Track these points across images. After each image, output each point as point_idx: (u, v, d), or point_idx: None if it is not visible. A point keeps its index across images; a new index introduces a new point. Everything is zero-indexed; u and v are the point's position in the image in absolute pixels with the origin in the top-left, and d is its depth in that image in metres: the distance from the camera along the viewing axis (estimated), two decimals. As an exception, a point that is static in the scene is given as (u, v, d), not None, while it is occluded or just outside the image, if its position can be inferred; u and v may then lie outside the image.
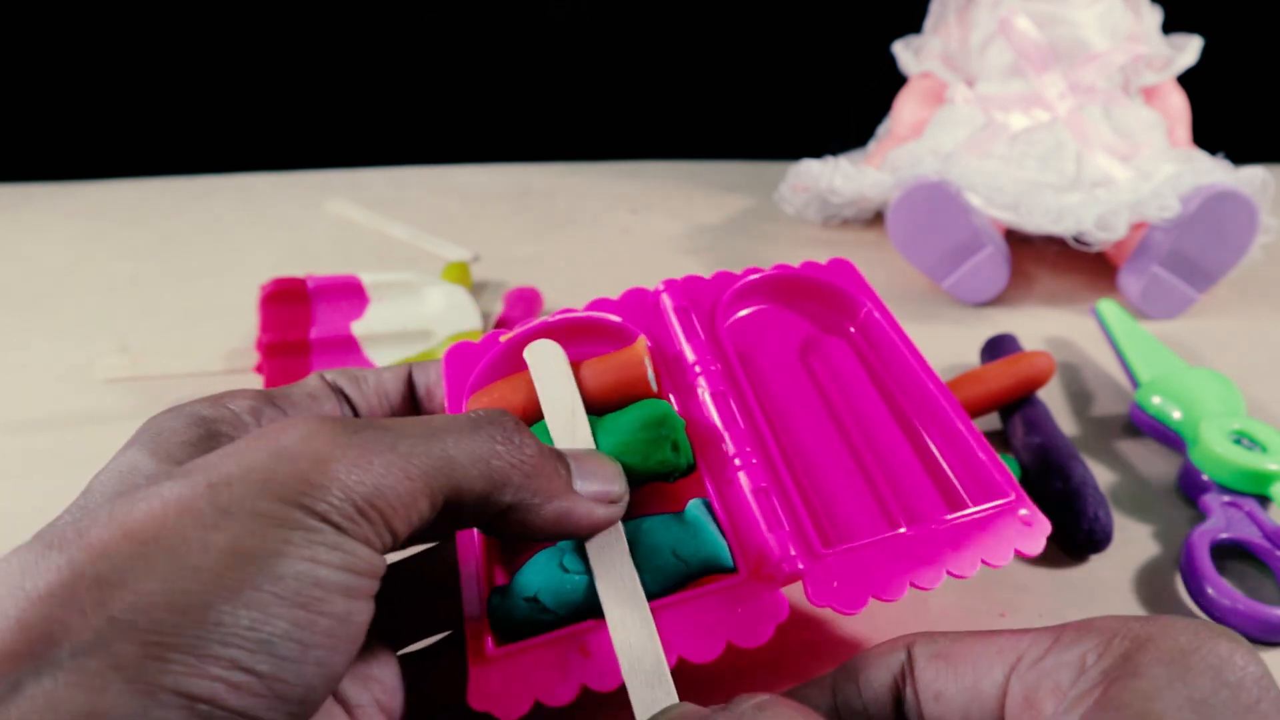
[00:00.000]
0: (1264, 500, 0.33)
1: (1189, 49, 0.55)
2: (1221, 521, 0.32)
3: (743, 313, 0.31)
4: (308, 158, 0.74)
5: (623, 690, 0.21)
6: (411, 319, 0.44)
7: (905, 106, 0.60)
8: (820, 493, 0.26)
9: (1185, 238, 0.47)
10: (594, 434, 0.25)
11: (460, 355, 0.29)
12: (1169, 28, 0.56)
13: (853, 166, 0.56)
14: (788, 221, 0.62)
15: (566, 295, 0.52)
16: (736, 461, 0.25)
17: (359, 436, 0.18)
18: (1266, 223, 0.47)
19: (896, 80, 0.61)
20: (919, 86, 0.59)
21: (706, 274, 0.31)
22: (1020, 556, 0.24)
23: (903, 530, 0.24)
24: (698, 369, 0.27)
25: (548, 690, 0.21)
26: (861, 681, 0.21)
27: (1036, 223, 0.49)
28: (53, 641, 0.15)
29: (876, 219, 0.59)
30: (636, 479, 0.24)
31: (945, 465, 0.27)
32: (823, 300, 0.32)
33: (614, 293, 0.30)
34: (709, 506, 0.24)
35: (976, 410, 0.37)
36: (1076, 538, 0.32)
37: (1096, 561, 0.32)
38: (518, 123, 0.79)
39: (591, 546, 0.23)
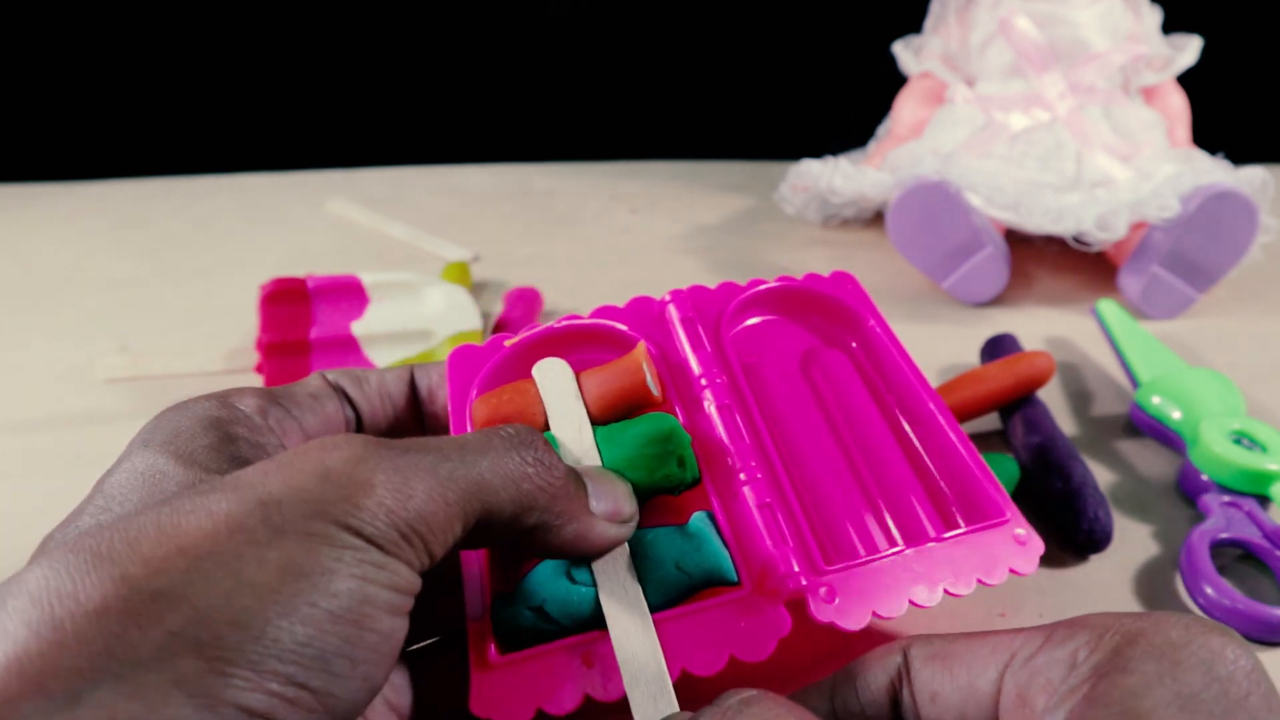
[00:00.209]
0: (1264, 500, 0.33)
1: (1189, 49, 0.55)
2: (1221, 521, 0.32)
3: (747, 323, 0.32)
4: (308, 158, 0.74)
5: (625, 701, 0.21)
6: (411, 319, 0.44)
7: (905, 106, 0.60)
8: (821, 509, 0.27)
9: (1185, 238, 0.47)
10: (600, 447, 0.25)
11: (464, 358, 0.29)
12: (1169, 28, 0.56)
13: (853, 166, 0.56)
14: (788, 221, 0.62)
15: (566, 295, 0.52)
16: (741, 476, 0.25)
17: (402, 460, 0.19)
18: (1266, 223, 0.47)
19: (896, 80, 0.61)
20: (919, 86, 0.59)
21: (707, 274, 0.31)
22: (1015, 575, 0.25)
23: (901, 549, 0.24)
24: (703, 382, 0.27)
25: (550, 699, 0.21)
26: (859, 685, 0.21)
27: (1036, 223, 0.49)
28: (112, 656, 0.15)
29: (876, 219, 0.59)
30: (643, 493, 0.24)
31: (942, 483, 0.28)
32: (825, 313, 0.32)
33: (614, 293, 0.30)
34: (713, 519, 0.24)
35: (977, 410, 0.37)
36: (1076, 538, 0.32)
37: (1096, 561, 0.32)
38: (518, 123, 0.79)
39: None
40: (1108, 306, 0.45)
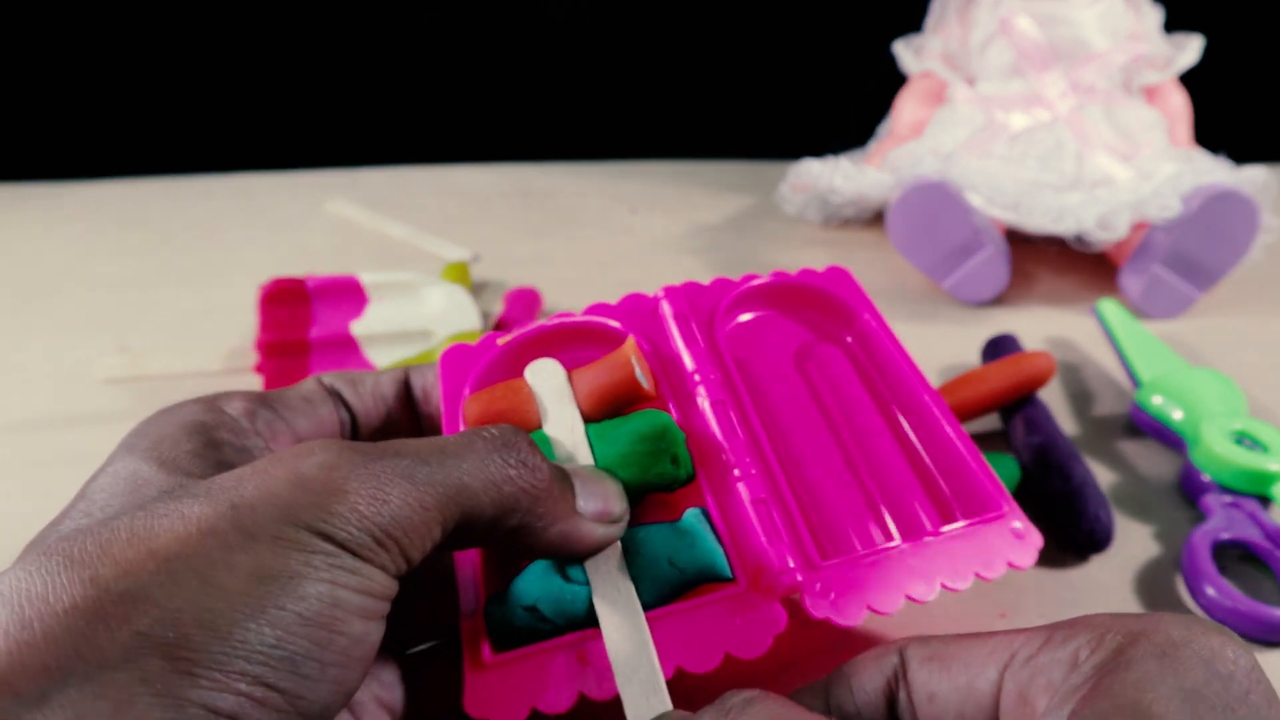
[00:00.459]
0: (1265, 500, 0.33)
1: (1190, 48, 0.55)
2: (1222, 522, 0.32)
3: (741, 319, 0.31)
4: (308, 158, 0.74)
5: (620, 699, 0.21)
6: (411, 319, 0.44)
7: (905, 106, 0.60)
8: (816, 504, 0.26)
9: (1186, 237, 0.47)
10: (593, 444, 0.25)
11: (456, 357, 0.29)
12: (1170, 27, 0.56)
13: (853, 166, 0.56)
14: (788, 221, 0.61)
15: (566, 295, 0.52)
16: (736, 472, 0.25)
17: (377, 466, 0.19)
18: (1268, 222, 0.47)
19: (896, 80, 0.61)
20: (919, 86, 0.59)
21: (707, 274, 0.31)
22: (1013, 569, 0.24)
23: (897, 543, 0.24)
24: (697, 377, 0.27)
25: (545, 698, 0.21)
26: (854, 685, 0.21)
27: (1037, 223, 0.49)
28: (80, 656, 0.15)
29: (876, 219, 0.59)
30: (636, 491, 0.24)
31: (938, 477, 0.28)
32: (820, 308, 0.32)
33: (614, 293, 0.30)
34: (707, 516, 0.24)
35: (977, 410, 0.37)
36: (1077, 538, 0.32)
37: (1097, 562, 0.32)
38: (518, 123, 0.79)
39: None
40: (1108, 306, 0.45)
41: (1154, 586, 0.31)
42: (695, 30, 0.76)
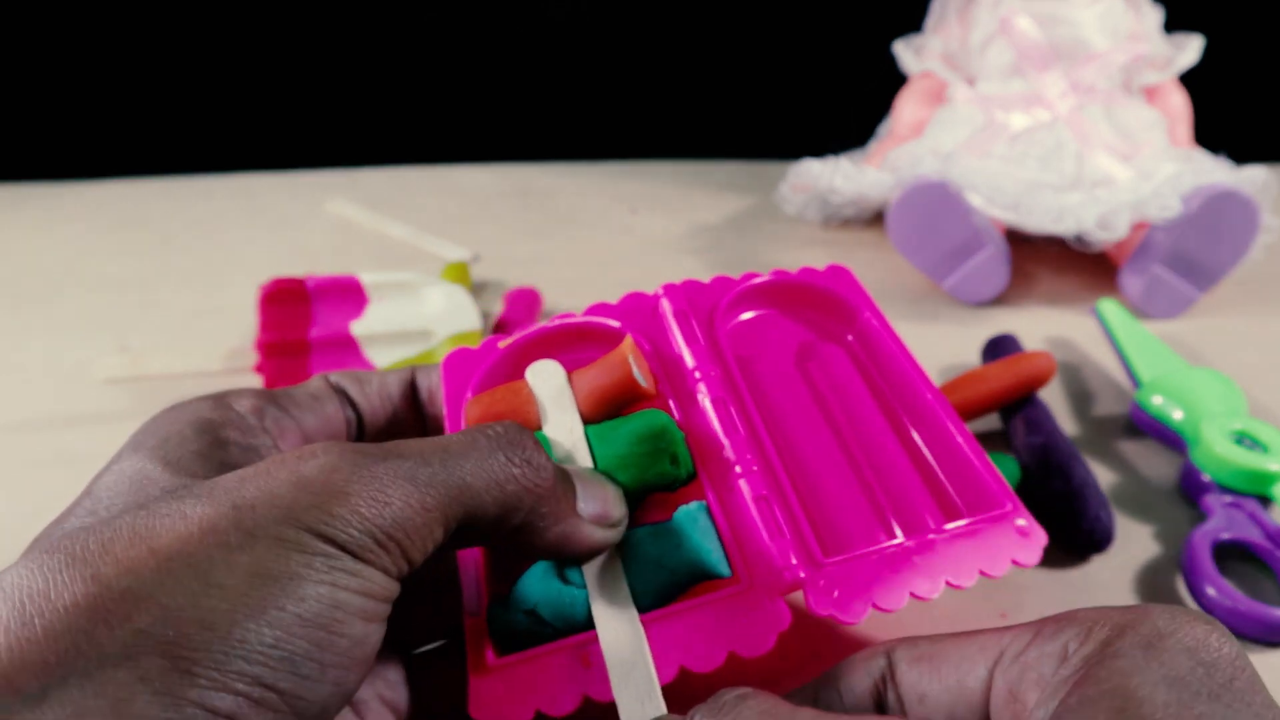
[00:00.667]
0: (1265, 500, 0.33)
1: (1190, 48, 0.55)
2: (1223, 522, 0.32)
3: (741, 318, 0.31)
4: (308, 158, 0.74)
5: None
6: (411, 319, 0.44)
7: (905, 106, 0.60)
8: (819, 501, 0.26)
9: (1186, 237, 0.47)
10: (593, 446, 0.25)
11: (459, 361, 0.29)
12: (1170, 27, 0.56)
13: (853, 166, 0.56)
14: (788, 221, 0.61)
15: (566, 295, 0.52)
16: (737, 469, 0.24)
17: (378, 468, 0.19)
18: (1268, 222, 0.47)
19: (896, 80, 0.61)
20: (919, 86, 0.59)
21: (707, 274, 0.31)
22: (1017, 567, 0.24)
23: (901, 540, 0.24)
24: (697, 374, 0.27)
25: (549, 700, 0.21)
26: (842, 687, 0.21)
27: (1037, 222, 0.49)
28: (80, 653, 0.15)
29: (876, 219, 0.59)
30: (636, 492, 0.24)
31: (942, 475, 0.27)
32: (821, 307, 0.32)
33: (614, 293, 0.30)
34: (708, 514, 0.24)
35: (977, 410, 0.37)
36: (1078, 538, 0.32)
37: (1097, 562, 0.32)
38: (518, 123, 0.79)
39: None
40: (1109, 306, 0.45)
41: (1154, 586, 0.31)
42: (695, 30, 0.76)
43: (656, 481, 0.24)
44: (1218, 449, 0.34)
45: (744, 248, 0.59)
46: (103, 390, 0.44)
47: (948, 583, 0.23)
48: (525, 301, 0.49)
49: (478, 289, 0.54)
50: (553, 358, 0.27)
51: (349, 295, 0.44)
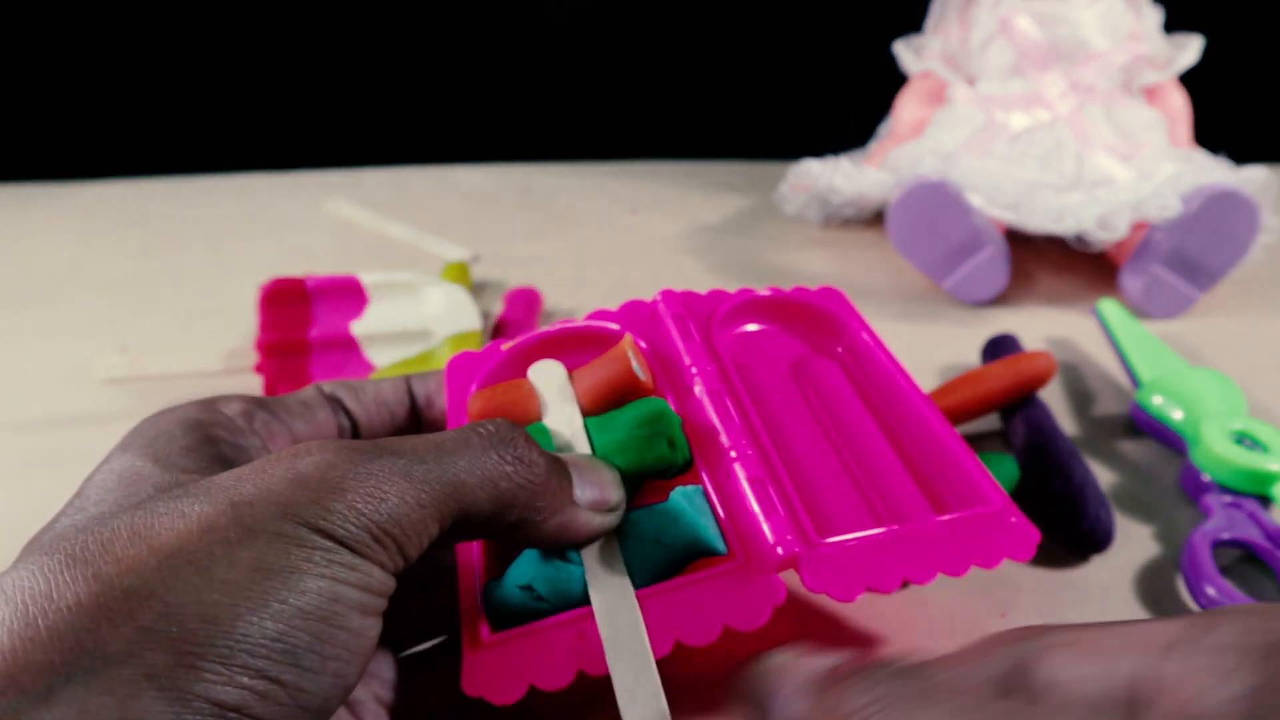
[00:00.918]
0: (1265, 501, 0.33)
1: (1190, 48, 0.55)
2: (1223, 522, 0.32)
3: (736, 330, 0.32)
4: (308, 158, 0.74)
5: None
6: (411, 319, 0.44)
7: (906, 106, 0.60)
8: (812, 490, 0.27)
9: (1186, 237, 0.47)
10: (590, 432, 0.25)
11: (462, 365, 0.29)
12: (1170, 27, 0.56)
13: (853, 166, 0.56)
14: (788, 221, 0.61)
15: (566, 295, 0.52)
16: (732, 454, 0.25)
17: (374, 464, 0.19)
18: (1268, 222, 0.47)
19: (897, 80, 0.61)
20: (919, 86, 0.59)
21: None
22: (1011, 561, 0.24)
23: (895, 529, 0.24)
24: (694, 370, 0.27)
25: (542, 675, 0.21)
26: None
27: (1037, 222, 0.49)
28: (84, 651, 0.15)
29: (876, 219, 0.59)
30: (634, 476, 0.24)
31: (932, 475, 0.28)
32: (812, 322, 0.32)
33: (614, 293, 0.30)
34: (702, 494, 0.24)
35: (977, 410, 0.37)
36: (1077, 538, 0.32)
37: (1097, 562, 0.32)
38: (518, 123, 0.79)
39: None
40: (1109, 306, 0.45)
41: (1154, 586, 0.31)
42: (695, 31, 0.76)
43: (654, 465, 0.25)
44: (1218, 449, 0.34)
45: (744, 248, 0.59)
46: (102, 390, 0.44)
47: (942, 571, 0.23)
48: (525, 301, 0.49)
49: (478, 289, 0.54)
50: (553, 359, 0.28)
51: (349, 295, 0.44)
